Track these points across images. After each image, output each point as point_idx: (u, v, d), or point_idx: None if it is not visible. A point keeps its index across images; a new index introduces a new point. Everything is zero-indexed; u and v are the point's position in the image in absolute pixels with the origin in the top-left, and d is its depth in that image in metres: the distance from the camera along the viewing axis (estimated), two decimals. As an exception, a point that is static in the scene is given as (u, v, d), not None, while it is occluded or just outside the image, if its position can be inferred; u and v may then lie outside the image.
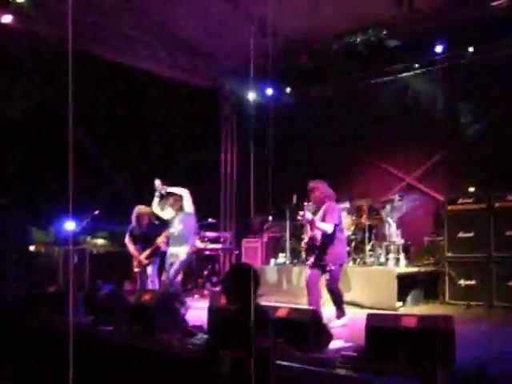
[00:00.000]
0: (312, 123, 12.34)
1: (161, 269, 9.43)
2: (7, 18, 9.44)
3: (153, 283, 8.40)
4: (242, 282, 3.64)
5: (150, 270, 8.44)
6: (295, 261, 10.16)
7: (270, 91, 12.43)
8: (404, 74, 11.03)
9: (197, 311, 7.30)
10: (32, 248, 10.71)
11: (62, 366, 3.24)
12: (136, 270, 8.53)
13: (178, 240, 7.91)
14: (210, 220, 11.37)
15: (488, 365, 4.11)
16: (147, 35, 11.28)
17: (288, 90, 12.57)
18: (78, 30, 10.04)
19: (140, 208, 8.59)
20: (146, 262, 8.42)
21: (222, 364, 3.41)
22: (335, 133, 12.09)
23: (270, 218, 11.31)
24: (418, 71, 10.82)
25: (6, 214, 9.88)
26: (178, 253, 7.86)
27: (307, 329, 4.77)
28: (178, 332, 5.69)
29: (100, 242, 12.32)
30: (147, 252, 8.38)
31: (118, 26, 10.65)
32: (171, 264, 7.93)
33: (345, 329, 6.35)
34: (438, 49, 10.15)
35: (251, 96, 12.64)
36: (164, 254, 9.57)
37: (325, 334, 4.93)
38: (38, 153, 10.48)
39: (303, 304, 7.22)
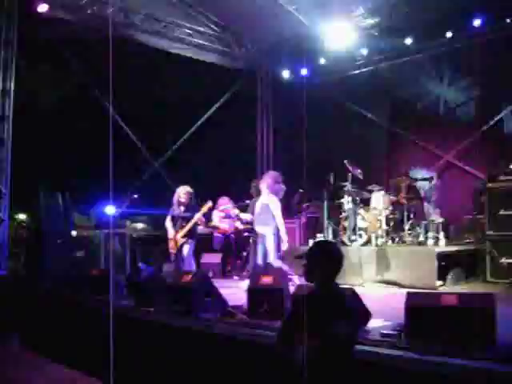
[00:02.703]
0: (350, 101, 12.26)
1: (198, 251, 9.55)
2: (43, 8, 9.61)
3: (189, 265, 8.49)
4: (324, 259, 3.39)
5: (185, 251, 8.51)
6: (333, 241, 10.13)
7: (304, 71, 12.39)
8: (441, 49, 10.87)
9: (237, 292, 7.35)
10: (74, 233, 10.91)
11: (105, 345, 3.32)
12: (172, 251, 8.64)
13: (260, 221, 8.11)
14: (247, 201, 11.39)
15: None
16: (183, 19, 11.36)
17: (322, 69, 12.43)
18: (111, 16, 10.21)
19: (181, 188, 8.71)
20: (183, 240, 8.50)
21: (297, 351, 3.13)
22: (374, 110, 12.00)
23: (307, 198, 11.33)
24: (456, 45, 10.62)
25: (48, 200, 10.09)
26: (263, 233, 8.01)
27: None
28: (218, 312, 5.77)
29: (140, 225, 12.50)
30: (185, 229, 8.47)
31: (153, 9, 10.75)
32: (261, 244, 8.11)
33: (384, 308, 6.33)
34: (476, 22, 9.96)
35: (286, 75, 12.69)
36: (200, 235, 9.70)
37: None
38: (77, 138, 10.66)
39: (345, 284, 7.23)
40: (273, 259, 7.94)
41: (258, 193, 8.70)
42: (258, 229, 8.14)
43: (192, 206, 8.64)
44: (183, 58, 11.97)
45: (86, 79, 10.61)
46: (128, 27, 10.77)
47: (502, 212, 8.43)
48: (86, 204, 11.01)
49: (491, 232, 8.56)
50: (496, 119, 10.37)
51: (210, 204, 8.66)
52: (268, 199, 8.14)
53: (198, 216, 8.48)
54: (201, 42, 12.19)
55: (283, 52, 12.34)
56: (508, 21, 9.82)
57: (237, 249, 11.16)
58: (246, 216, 9.42)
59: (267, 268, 7.84)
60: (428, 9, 9.94)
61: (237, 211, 9.81)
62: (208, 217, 10.10)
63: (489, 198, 8.68)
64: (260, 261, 8.00)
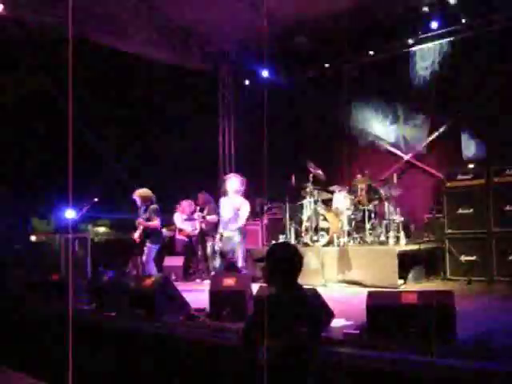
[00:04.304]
0: (310, 104, 12.32)
1: (162, 256, 9.48)
2: (-2, 7, 9.41)
3: (149, 269, 8.41)
4: (282, 262, 3.36)
5: (146, 255, 8.46)
6: (296, 242, 10.15)
7: (265, 73, 12.39)
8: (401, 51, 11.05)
9: (199, 295, 7.30)
10: (33, 238, 10.70)
11: (65, 352, 3.25)
12: (135, 251, 8.63)
13: (231, 225, 7.87)
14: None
15: (489, 339, 4.13)
16: (143, 20, 11.23)
17: (284, 71, 12.45)
18: (72, 16, 10.02)
19: (137, 191, 8.67)
20: (137, 240, 8.46)
21: (260, 353, 3.12)
22: (333, 112, 12.09)
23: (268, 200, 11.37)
24: (414, 48, 10.81)
25: (6, 204, 9.87)
26: (233, 238, 7.80)
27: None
28: (181, 316, 5.73)
29: (102, 229, 12.35)
30: (139, 230, 8.43)
31: (112, 10, 10.59)
32: (229, 250, 7.96)
33: (346, 307, 6.38)
34: (434, 25, 10.16)
35: (247, 78, 12.67)
36: (166, 240, 9.64)
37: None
38: (35, 141, 10.46)
39: (307, 284, 7.25)
40: (243, 262, 7.86)
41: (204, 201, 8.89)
42: (228, 233, 7.93)
43: (151, 208, 8.57)
44: (142, 59, 11.83)
45: (43, 80, 10.40)
46: (84, 27, 10.58)
47: (460, 211, 8.60)
48: (45, 208, 10.81)
49: (450, 230, 8.72)
50: (454, 119, 10.55)
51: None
52: (241, 203, 7.97)
53: (153, 224, 8.44)
54: (160, 42, 12.04)
55: (244, 53, 12.31)
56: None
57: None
58: (211, 218, 9.46)
59: (234, 270, 7.78)
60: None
61: (201, 213, 9.80)
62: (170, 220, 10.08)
63: (447, 198, 8.84)
64: (218, 264, 7.89)
